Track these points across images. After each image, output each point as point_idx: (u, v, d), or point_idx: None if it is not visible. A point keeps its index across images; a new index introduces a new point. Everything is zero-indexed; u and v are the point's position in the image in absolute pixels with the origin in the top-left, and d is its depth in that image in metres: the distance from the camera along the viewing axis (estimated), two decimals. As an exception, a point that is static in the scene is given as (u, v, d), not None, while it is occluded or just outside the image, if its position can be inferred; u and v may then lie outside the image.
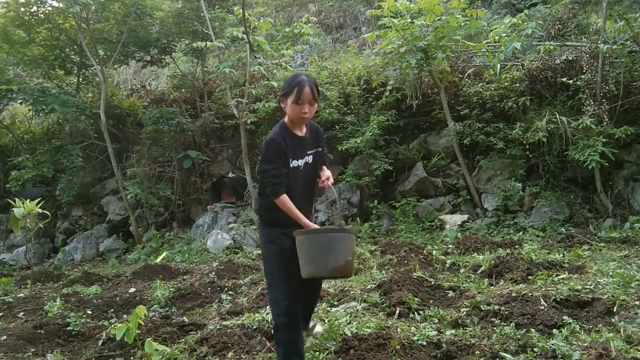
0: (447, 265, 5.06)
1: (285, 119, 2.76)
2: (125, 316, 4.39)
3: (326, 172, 2.86)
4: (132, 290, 5.28)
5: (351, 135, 7.67)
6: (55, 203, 9.38)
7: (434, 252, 5.50)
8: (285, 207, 2.63)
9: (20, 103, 9.49)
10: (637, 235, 5.57)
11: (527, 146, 6.64)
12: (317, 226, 2.70)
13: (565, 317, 3.21)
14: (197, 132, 9.07)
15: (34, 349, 3.59)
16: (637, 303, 3.44)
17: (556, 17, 8.29)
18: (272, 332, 2.88)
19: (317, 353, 3.00)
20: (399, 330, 3.29)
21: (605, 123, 6.27)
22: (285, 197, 2.62)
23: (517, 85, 6.99)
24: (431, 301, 3.94)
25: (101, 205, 9.47)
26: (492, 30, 7.01)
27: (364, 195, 7.86)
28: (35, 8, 8.62)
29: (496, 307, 3.49)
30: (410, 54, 6.81)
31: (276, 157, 2.64)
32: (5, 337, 3.78)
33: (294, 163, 2.71)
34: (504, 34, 6.70)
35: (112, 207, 9.31)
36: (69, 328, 3.94)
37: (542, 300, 3.55)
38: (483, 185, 7.20)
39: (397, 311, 3.65)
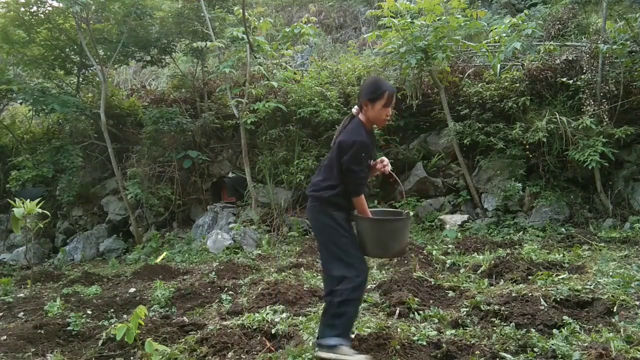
0: (447, 265, 5.06)
1: (362, 120, 2.93)
2: (125, 316, 4.38)
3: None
4: (132, 290, 5.28)
5: (351, 135, 7.66)
6: (55, 203, 9.38)
7: (434, 252, 5.50)
8: (360, 204, 2.93)
9: (20, 103, 9.49)
10: (637, 235, 5.57)
11: (527, 146, 6.65)
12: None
13: (565, 317, 3.21)
14: (197, 132, 9.07)
15: (34, 349, 3.59)
16: (637, 303, 3.44)
17: (556, 17, 8.29)
18: (333, 305, 2.81)
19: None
20: (399, 330, 3.29)
21: (605, 123, 6.27)
22: (362, 197, 2.94)
23: (517, 85, 7.00)
24: (431, 301, 3.94)
25: (101, 205, 9.47)
26: (492, 30, 7.02)
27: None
28: (35, 8, 8.62)
29: (496, 307, 3.49)
30: (410, 54, 6.81)
31: (365, 159, 2.87)
32: (5, 337, 3.78)
33: (371, 162, 3.03)
34: (504, 34, 6.71)
35: (112, 207, 9.31)
36: (69, 328, 3.94)
37: (542, 300, 3.55)
38: (483, 185, 7.21)
39: (397, 311, 3.65)
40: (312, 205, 2.99)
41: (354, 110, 2.99)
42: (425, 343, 3.05)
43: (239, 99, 7.97)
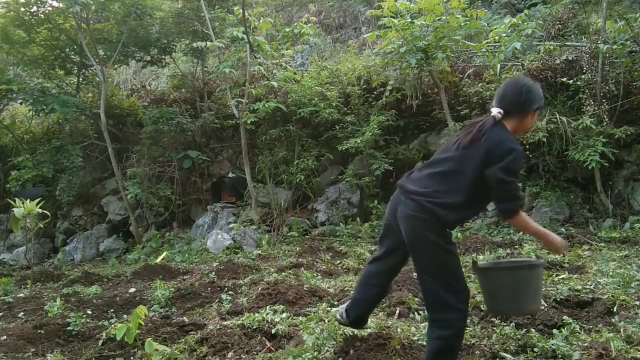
0: (447, 265, 5.05)
1: (508, 127, 2.41)
2: (125, 316, 4.38)
3: None
4: (132, 290, 5.28)
5: (351, 135, 7.68)
6: (55, 203, 9.38)
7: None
8: (525, 224, 2.41)
9: (20, 103, 9.49)
10: (637, 235, 5.57)
11: (527, 146, 6.64)
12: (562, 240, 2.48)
13: (565, 317, 3.21)
14: (197, 132, 9.07)
15: (34, 349, 3.58)
16: (637, 303, 3.44)
17: (556, 17, 8.29)
18: (440, 343, 2.37)
19: (317, 353, 3.00)
20: (399, 330, 3.29)
21: (605, 123, 6.28)
22: (523, 214, 2.38)
23: (517, 85, 6.99)
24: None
25: (101, 205, 9.47)
26: (492, 30, 7.02)
27: (364, 195, 7.86)
28: (35, 8, 8.62)
29: (496, 307, 3.48)
30: (410, 54, 6.81)
31: (521, 170, 2.46)
32: (5, 337, 3.78)
33: None
34: (504, 34, 6.70)
35: (112, 207, 9.31)
36: (69, 328, 3.94)
37: (542, 300, 3.54)
38: (483, 185, 7.19)
39: (397, 311, 3.65)
40: (416, 217, 2.37)
41: (498, 112, 2.39)
42: (425, 343, 3.04)
43: (239, 99, 7.97)
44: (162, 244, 8.24)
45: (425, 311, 2.55)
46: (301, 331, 3.38)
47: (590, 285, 3.86)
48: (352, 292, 4.22)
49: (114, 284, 5.79)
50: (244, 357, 3.15)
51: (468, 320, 3.39)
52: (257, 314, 3.74)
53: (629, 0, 8.04)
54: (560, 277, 4.15)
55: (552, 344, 2.85)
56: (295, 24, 8.18)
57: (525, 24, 6.59)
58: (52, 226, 9.59)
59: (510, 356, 2.81)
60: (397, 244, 2.58)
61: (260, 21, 7.99)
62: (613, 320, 3.21)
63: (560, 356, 2.74)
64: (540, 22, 7.77)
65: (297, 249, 6.64)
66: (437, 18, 6.72)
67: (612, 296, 3.54)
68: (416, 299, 3.80)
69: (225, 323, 3.76)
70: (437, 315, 2.39)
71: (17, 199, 5.65)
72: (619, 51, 6.26)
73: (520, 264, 2.66)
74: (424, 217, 2.35)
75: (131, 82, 12.43)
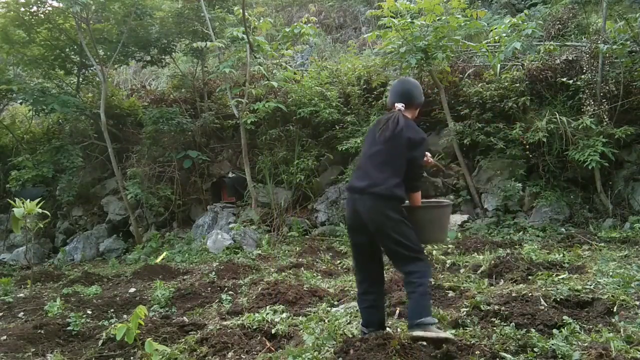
0: (447, 265, 5.06)
1: (410, 118, 3.08)
2: (125, 316, 4.38)
3: None
4: (132, 290, 5.28)
5: (351, 135, 7.68)
6: (55, 203, 9.38)
7: (434, 252, 5.50)
8: (419, 198, 3.10)
9: (20, 103, 9.49)
10: (637, 235, 5.56)
11: (527, 146, 6.64)
12: None
13: (565, 317, 3.20)
14: (197, 132, 9.07)
15: (34, 349, 3.59)
16: (637, 303, 3.43)
17: (556, 17, 8.30)
18: (422, 289, 2.93)
19: (317, 353, 3.00)
20: (398, 330, 3.29)
21: (605, 123, 6.27)
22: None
23: (517, 85, 6.99)
24: (431, 301, 3.93)
25: (101, 205, 9.47)
26: (492, 30, 7.01)
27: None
28: (35, 8, 8.62)
29: (496, 307, 3.49)
30: (410, 54, 6.81)
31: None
32: (5, 337, 3.78)
33: None
34: (504, 34, 6.70)
35: (112, 207, 9.31)
36: (69, 328, 3.94)
37: (542, 300, 3.54)
38: (483, 185, 7.21)
39: (397, 311, 3.65)
40: (378, 204, 2.92)
41: (402, 106, 3.02)
42: (425, 343, 3.04)
43: (239, 99, 7.97)
44: (162, 244, 8.24)
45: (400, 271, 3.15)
46: (301, 331, 3.38)
47: (590, 285, 3.85)
48: (352, 292, 4.24)
49: (114, 284, 5.79)
50: (244, 357, 3.15)
51: (468, 320, 3.41)
52: (257, 314, 3.74)
53: (629, 0, 8.04)
54: (560, 277, 4.14)
55: (552, 344, 2.84)
56: (295, 24, 8.19)
57: (525, 24, 6.58)
58: (52, 226, 9.59)
59: (510, 356, 2.81)
60: (365, 240, 3.03)
61: (260, 21, 7.99)
62: (613, 320, 3.21)
63: (560, 356, 2.74)
64: (540, 22, 7.77)
65: (297, 249, 6.64)
66: (437, 18, 6.72)
67: (612, 296, 3.53)
68: (416, 299, 3.79)
69: (225, 323, 3.77)
70: (410, 268, 2.95)
71: (17, 199, 5.65)
72: (619, 51, 6.26)
73: (440, 204, 3.49)
74: (384, 203, 2.91)
75: (131, 82, 12.43)
